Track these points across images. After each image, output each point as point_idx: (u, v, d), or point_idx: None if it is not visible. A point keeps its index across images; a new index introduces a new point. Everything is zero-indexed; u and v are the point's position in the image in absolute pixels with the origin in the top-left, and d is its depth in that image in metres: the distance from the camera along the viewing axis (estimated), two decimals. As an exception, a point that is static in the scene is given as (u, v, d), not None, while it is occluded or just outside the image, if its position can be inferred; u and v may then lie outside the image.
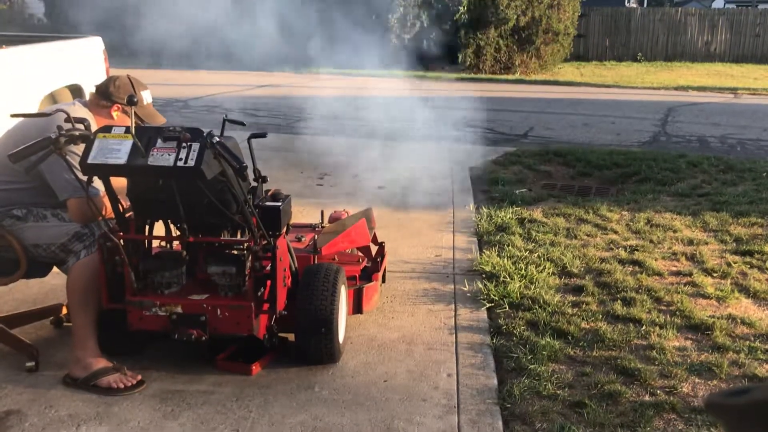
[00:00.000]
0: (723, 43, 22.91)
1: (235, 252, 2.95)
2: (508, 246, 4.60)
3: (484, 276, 4.13)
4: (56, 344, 3.26)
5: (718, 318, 3.70)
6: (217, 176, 2.63)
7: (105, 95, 3.10)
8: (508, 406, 2.86)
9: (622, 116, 11.17)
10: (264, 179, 3.01)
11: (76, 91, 5.09)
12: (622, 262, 4.46)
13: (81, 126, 2.73)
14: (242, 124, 3.11)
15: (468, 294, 3.92)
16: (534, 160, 7.29)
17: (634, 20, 23.06)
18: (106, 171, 2.64)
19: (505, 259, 4.30)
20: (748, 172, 6.84)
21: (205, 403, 2.81)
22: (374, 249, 3.94)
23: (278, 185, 3.38)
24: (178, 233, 3.00)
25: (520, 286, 3.93)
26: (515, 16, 17.46)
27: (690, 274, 4.28)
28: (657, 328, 3.56)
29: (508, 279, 4.01)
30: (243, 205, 2.75)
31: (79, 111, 3.01)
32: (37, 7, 20.63)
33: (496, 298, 3.80)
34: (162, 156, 2.56)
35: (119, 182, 2.83)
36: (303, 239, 3.60)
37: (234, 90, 12.94)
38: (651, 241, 4.86)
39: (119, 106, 3.09)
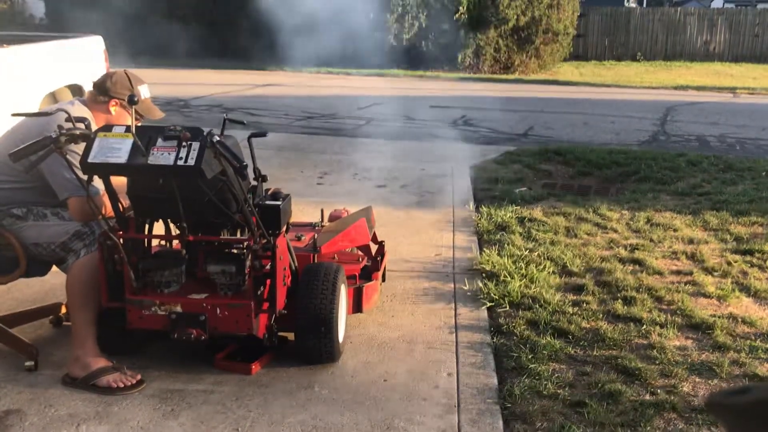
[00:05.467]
0: (722, 42, 22.92)
1: (235, 251, 2.94)
2: (508, 245, 4.60)
3: (484, 275, 4.13)
4: (55, 343, 3.25)
5: (718, 317, 3.69)
6: (218, 175, 2.63)
7: (102, 91, 3.10)
8: (509, 405, 2.86)
9: (621, 116, 11.17)
10: (264, 178, 3.00)
11: (76, 90, 5.09)
12: (622, 261, 4.46)
13: (81, 125, 2.73)
14: (242, 123, 3.11)
15: (468, 293, 3.91)
16: (534, 159, 7.28)
17: (634, 20, 23.06)
18: (106, 170, 2.64)
19: (506, 258, 4.30)
20: (747, 171, 6.84)
21: (205, 402, 2.81)
22: (374, 248, 3.94)
23: (278, 184, 3.38)
24: (178, 232, 3.00)
25: (520, 285, 3.92)
26: (515, 16, 17.46)
27: (690, 273, 4.28)
28: (657, 328, 3.55)
29: (509, 278, 4.01)
30: (243, 204, 2.74)
31: (79, 110, 3.01)
32: (37, 7, 20.63)
33: (497, 297, 3.80)
34: (162, 155, 2.56)
35: (119, 181, 2.82)
36: (303, 238, 3.59)
37: (236, 90, 12.93)
38: (651, 240, 4.86)
39: (117, 101, 3.09)
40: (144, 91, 3.16)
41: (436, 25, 16.91)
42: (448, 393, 2.93)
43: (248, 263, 2.83)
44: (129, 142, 2.59)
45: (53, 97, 4.89)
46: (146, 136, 2.60)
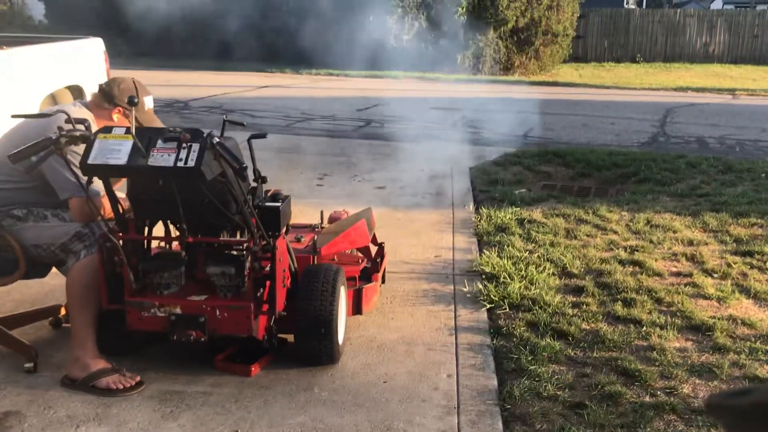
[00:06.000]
0: (721, 44, 22.95)
1: (235, 252, 2.94)
2: (507, 246, 4.60)
3: (484, 277, 4.12)
4: (55, 345, 3.25)
5: (718, 319, 3.69)
6: (217, 177, 2.63)
7: (108, 97, 3.10)
8: (508, 407, 2.86)
9: (621, 117, 11.18)
10: (264, 180, 3.00)
11: (76, 91, 5.09)
12: (622, 262, 4.46)
13: (81, 126, 2.73)
14: (242, 124, 3.11)
15: (468, 295, 3.91)
16: (533, 161, 7.28)
17: (633, 21, 23.08)
18: (106, 171, 2.64)
19: (505, 260, 4.30)
20: (747, 173, 6.85)
21: (205, 404, 2.81)
22: (374, 249, 3.94)
23: (278, 186, 3.38)
24: (178, 234, 3.00)
25: (520, 287, 3.92)
26: (514, 18, 17.47)
27: (690, 275, 4.28)
28: (657, 329, 3.55)
29: (508, 280, 4.01)
30: (243, 206, 2.74)
31: (79, 112, 3.01)
32: (36, 8, 20.64)
33: (496, 299, 3.80)
34: (162, 156, 2.56)
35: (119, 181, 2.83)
36: (302, 240, 3.59)
37: (235, 91, 12.93)
38: (651, 242, 4.86)
39: (120, 109, 3.09)
40: (148, 102, 3.16)
41: (435, 26, 16.92)
42: (447, 394, 2.93)
43: (248, 265, 2.83)
44: (129, 143, 2.59)
45: (53, 98, 4.88)
46: (146, 137, 2.60)
